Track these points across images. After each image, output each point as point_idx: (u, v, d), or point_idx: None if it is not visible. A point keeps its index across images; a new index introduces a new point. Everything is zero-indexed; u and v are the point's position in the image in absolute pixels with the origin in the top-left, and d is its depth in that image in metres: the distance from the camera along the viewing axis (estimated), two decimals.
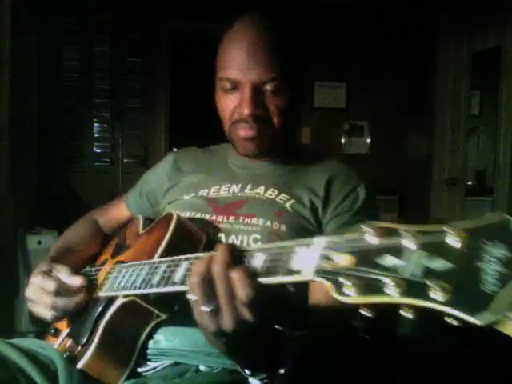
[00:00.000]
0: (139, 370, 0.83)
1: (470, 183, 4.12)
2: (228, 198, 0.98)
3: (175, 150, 1.23)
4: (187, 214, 0.95)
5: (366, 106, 4.44)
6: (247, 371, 0.68)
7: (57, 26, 3.95)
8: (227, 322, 0.56)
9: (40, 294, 0.87)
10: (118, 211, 1.20)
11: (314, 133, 4.37)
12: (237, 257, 0.58)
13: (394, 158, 4.38)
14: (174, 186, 1.08)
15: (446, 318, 0.40)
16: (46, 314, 0.88)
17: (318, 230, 0.94)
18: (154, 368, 0.83)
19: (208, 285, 0.57)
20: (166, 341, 0.82)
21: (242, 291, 0.55)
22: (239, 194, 0.98)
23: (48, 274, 0.89)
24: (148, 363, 0.84)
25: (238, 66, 0.91)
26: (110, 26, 4.04)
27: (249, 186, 0.99)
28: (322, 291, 0.85)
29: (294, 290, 0.88)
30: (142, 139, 4.14)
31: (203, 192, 1.01)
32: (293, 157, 1.06)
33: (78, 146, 4.06)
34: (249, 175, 1.02)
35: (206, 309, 0.57)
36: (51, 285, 0.86)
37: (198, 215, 0.95)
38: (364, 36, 4.36)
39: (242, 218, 0.92)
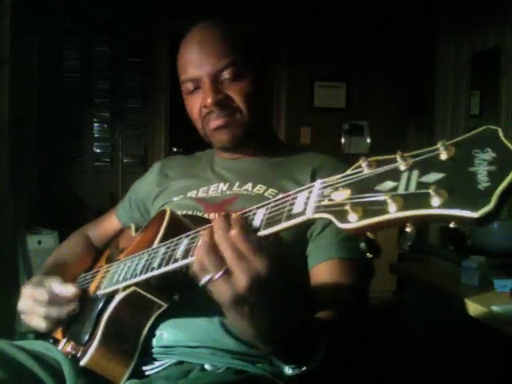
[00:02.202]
0: (144, 368, 0.84)
1: None
2: (217, 197, 0.98)
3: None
4: (179, 213, 0.95)
5: (365, 106, 4.44)
6: (276, 359, 0.66)
7: (57, 26, 3.95)
8: (241, 280, 0.56)
9: (32, 304, 0.87)
10: (109, 224, 1.20)
11: (314, 133, 4.37)
12: (237, 218, 0.59)
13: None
14: (163, 192, 1.09)
15: (447, 224, 0.42)
16: (40, 324, 0.88)
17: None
18: (158, 367, 0.83)
19: (214, 251, 0.57)
20: (170, 335, 0.82)
21: (246, 243, 0.56)
22: (228, 192, 0.99)
23: (39, 284, 0.89)
24: (152, 362, 0.84)
25: (194, 64, 0.95)
26: (110, 26, 4.05)
27: (237, 184, 1.00)
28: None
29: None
30: (141, 139, 4.15)
31: (192, 194, 1.02)
32: (275, 151, 1.07)
33: (78, 146, 4.07)
34: (235, 174, 1.03)
35: (217, 275, 0.57)
36: (43, 295, 0.86)
37: (190, 213, 0.95)
38: (364, 36, 4.36)
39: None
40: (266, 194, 0.95)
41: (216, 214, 0.92)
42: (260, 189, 0.97)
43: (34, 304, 0.87)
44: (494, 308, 1.33)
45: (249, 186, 0.98)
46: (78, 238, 1.18)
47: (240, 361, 0.80)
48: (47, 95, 3.84)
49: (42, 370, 0.78)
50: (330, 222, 0.48)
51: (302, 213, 0.52)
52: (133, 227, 1.08)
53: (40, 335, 0.94)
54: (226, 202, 0.96)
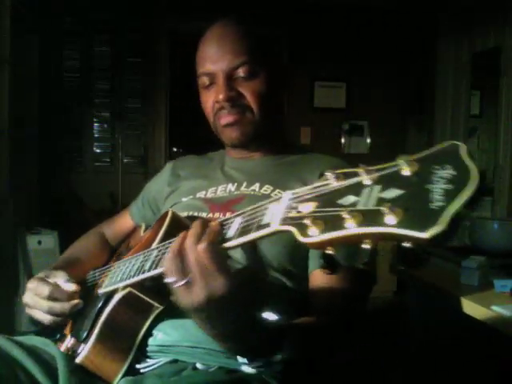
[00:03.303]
0: (137, 366, 0.84)
1: None
2: (225, 197, 0.99)
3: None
4: (184, 214, 0.96)
5: (366, 106, 4.44)
6: (240, 358, 0.69)
7: (57, 26, 3.95)
8: (199, 294, 0.59)
9: (36, 298, 0.89)
10: (123, 222, 1.22)
11: (314, 133, 4.37)
12: (212, 229, 0.61)
13: (394, 157, 4.38)
14: (174, 192, 1.10)
15: (402, 244, 0.41)
16: (44, 317, 0.89)
17: None
18: (152, 365, 0.84)
19: (180, 259, 0.60)
20: (165, 335, 0.83)
21: (211, 259, 0.58)
22: (235, 192, 0.99)
23: (44, 279, 0.91)
24: (146, 360, 0.85)
25: (211, 59, 0.98)
26: (110, 25, 4.05)
27: (244, 184, 1.00)
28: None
29: (293, 285, 0.88)
30: (141, 139, 4.14)
31: (201, 194, 1.03)
32: (284, 151, 1.08)
33: (78, 146, 4.06)
34: (243, 174, 1.04)
35: (180, 283, 0.60)
36: (45, 289, 0.88)
37: (195, 214, 0.95)
38: (364, 36, 4.36)
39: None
40: (272, 195, 0.95)
41: (221, 214, 0.93)
42: (267, 189, 0.97)
43: (37, 298, 0.88)
44: (494, 308, 1.33)
45: (256, 186, 0.99)
46: (93, 236, 1.20)
47: (234, 361, 0.80)
48: (47, 95, 3.84)
49: (35, 365, 0.78)
50: None
51: (268, 224, 0.53)
52: (143, 226, 1.09)
53: (40, 335, 0.94)
54: (232, 202, 0.96)
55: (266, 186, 0.98)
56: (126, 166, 4.07)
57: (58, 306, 0.87)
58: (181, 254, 0.61)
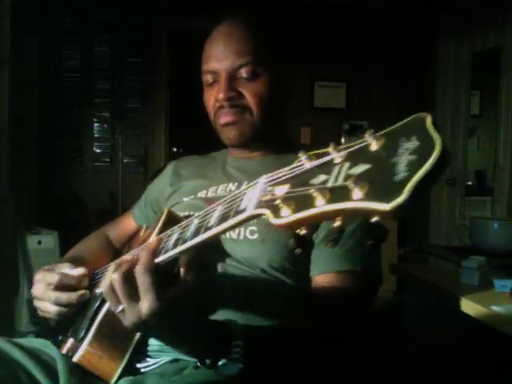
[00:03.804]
0: (138, 365, 0.84)
1: (469, 183, 4.12)
2: (225, 196, 0.98)
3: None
4: (186, 214, 0.96)
5: (366, 106, 4.44)
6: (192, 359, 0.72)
7: (57, 26, 3.95)
8: (128, 319, 0.63)
9: (44, 289, 0.89)
10: (126, 224, 1.22)
11: (314, 133, 4.37)
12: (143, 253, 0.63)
13: None
14: (176, 192, 1.10)
15: (370, 220, 0.41)
16: (52, 309, 0.88)
17: None
18: (153, 364, 0.84)
19: (113, 290, 0.64)
20: None
21: (131, 286, 0.62)
22: (236, 192, 0.99)
23: (50, 270, 0.91)
24: (147, 359, 0.85)
25: (215, 58, 0.98)
26: (110, 25, 4.05)
27: (245, 183, 1.00)
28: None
29: (293, 284, 0.89)
30: (141, 139, 4.14)
31: (201, 194, 1.03)
32: (285, 152, 1.06)
33: (78, 146, 4.06)
34: (244, 173, 1.04)
35: (116, 310, 0.64)
36: (54, 278, 0.88)
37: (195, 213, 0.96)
38: (364, 36, 4.36)
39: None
40: None
41: None
42: None
43: (45, 288, 0.88)
44: (494, 308, 1.33)
45: None
46: (96, 237, 1.20)
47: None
48: (47, 95, 3.84)
49: (36, 367, 0.79)
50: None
51: (245, 209, 0.53)
52: (144, 227, 1.09)
53: (40, 335, 0.94)
54: None
55: None
56: (126, 166, 4.07)
57: (64, 296, 0.87)
58: (112, 286, 0.63)
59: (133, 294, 0.62)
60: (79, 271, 0.90)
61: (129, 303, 0.62)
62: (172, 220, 0.86)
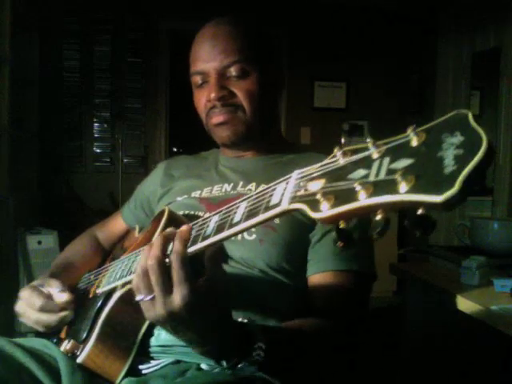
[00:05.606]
0: (141, 367, 0.84)
1: None
2: (221, 197, 0.99)
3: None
4: (181, 213, 0.95)
5: (366, 106, 4.44)
6: (210, 359, 0.69)
7: (57, 26, 3.95)
8: (160, 311, 0.60)
9: (25, 308, 0.89)
10: (116, 225, 1.21)
11: (314, 133, 4.37)
12: (180, 235, 0.62)
13: None
14: (167, 192, 1.09)
15: (417, 212, 0.40)
16: (34, 326, 0.90)
17: (310, 221, 0.93)
18: (154, 366, 0.83)
19: (146, 275, 0.61)
20: (168, 335, 0.82)
21: (164, 276, 0.59)
22: (232, 192, 0.99)
23: (37, 289, 0.91)
24: (150, 361, 0.84)
25: (203, 58, 0.97)
26: (110, 25, 4.05)
27: (240, 184, 1.00)
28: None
29: (291, 284, 0.89)
30: (142, 139, 4.15)
31: (196, 194, 1.02)
32: (280, 150, 1.07)
33: (78, 146, 4.06)
34: (238, 173, 1.03)
35: (146, 299, 0.61)
36: (37, 301, 0.88)
37: (192, 213, 0.95)
38: (364, 36, 4.36)
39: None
40: None
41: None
42: None
43: (27, 308, 0.89)
44: (494, 308, 1.33)
45: (252, 185, 0.98)
46: (85, 239, 1.19)
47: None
48: (47, 95, 3.84)
49: (39, 368, 0.79)
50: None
51: (278, 204, 0.52)
52: (137, 228, 1.08)
53: (41, 336, 0.95)
54: (228, 202, 0.96)
55: (263, 185, 0.97)
56: (126, 166, 4.07)
57: (44, 318, 0.88)
58: (146, 271, 0.61)
59: (167, 284, 0.60)
60: (63, 297, 0.89)
61: (162, 292, 0.59)
62: (173, 219, 0.86)
